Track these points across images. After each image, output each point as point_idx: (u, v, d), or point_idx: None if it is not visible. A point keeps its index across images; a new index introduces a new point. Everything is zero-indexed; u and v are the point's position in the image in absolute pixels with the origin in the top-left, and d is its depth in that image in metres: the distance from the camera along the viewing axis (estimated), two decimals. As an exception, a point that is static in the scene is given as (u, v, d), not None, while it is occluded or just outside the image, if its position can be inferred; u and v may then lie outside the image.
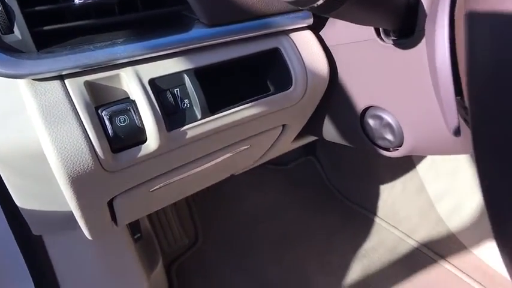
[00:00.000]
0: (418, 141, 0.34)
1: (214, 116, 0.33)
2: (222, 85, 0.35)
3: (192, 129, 0.32)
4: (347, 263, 0.92)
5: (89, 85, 0.29)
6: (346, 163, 1.07)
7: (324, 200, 1.07)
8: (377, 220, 0.99)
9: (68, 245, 0.56)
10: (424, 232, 0.88)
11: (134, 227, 0.71)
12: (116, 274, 0.65)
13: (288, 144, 0.52)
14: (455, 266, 0.82)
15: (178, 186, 0.45)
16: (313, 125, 0.45)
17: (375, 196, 0.99)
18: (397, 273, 0.87)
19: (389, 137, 0.36)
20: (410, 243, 0.91)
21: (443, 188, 0.82)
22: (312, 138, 0.63)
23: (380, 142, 0.37)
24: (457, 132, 0.28)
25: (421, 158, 0.84)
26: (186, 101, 0.32)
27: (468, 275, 0.80)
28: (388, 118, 0.35)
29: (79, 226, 0.39)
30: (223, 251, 0.95)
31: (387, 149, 0.38)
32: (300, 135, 0.54)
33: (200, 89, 0.32)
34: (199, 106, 0.32)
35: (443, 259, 0.85)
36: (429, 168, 0.84)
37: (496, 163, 0.20)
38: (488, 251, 0.77)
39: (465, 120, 0.28)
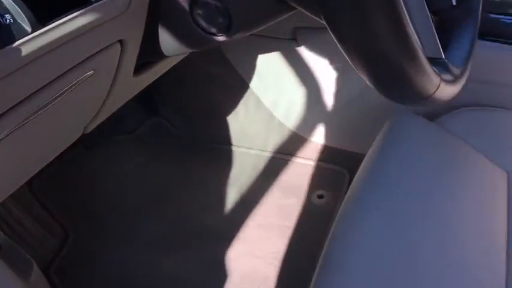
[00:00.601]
0: (243, 12, 0.39)
1: (46, 28, 0.31)
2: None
3: (25, 45, 0.30)
4: (221, 194, 0.98)
5: None
6: (190, 110, 1.10)
7: (184, 151, 1.10)
8: (234, 149, 1.07)
9: None
10: (272, 140, 1.00)
11: (-12, 238, 0.62)
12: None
13: (130, 77, 0.52)
14: (301, 157, 0.98)
15: (27, 142, 0.41)
16: (151, 43, 0.46)
17: (225, 128, 1.06)
18: (263, 183, 0.98)
19: (219, 19, 0.40)
20: (266, 155, 1.03)
21: (274, 96, 0.93)
22: (155, 74, 0.64)
23: (213, 29, 0.41)
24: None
25: (250, 76, 0.94)
26: (8, 16, 0.29)
27: (310, 158, 0.96)
28: (212, 1, 0.39)
29: None
30: (100, 235, 0.90)
31: (222, 35, 0.42)
32: (142, 69, 0.54)
33: (20, 1, 0.30)
34: (25, 19, 0.30)
35: (293, 155, 0.99)
36: (259, 84, 0.94)
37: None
38: (317, 133, 0.93)
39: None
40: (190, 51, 0.47)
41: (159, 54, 0.48)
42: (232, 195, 0.98)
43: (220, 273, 0.82)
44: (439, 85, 0.29)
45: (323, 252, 0.53)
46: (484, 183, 0.60)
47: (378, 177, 0.58)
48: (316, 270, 0.51)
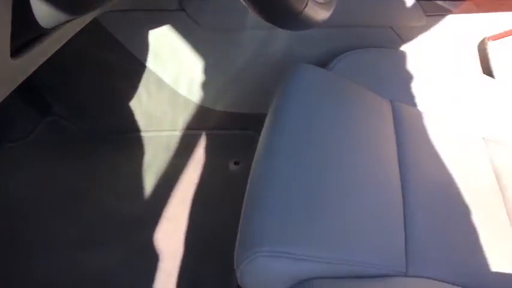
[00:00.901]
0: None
1: None
2: None
3: None
4: (138, 182, 0.95)
5: None
6: (88, 103, 1.04)
7: (90, 147, 1.04)
8: (143, 134, 1.04)
9: None
10: (180, 118, 1.00)
11: None
12: None
13: (8, 58, 0.48)
14: (212, 128, 0.99)
15: None
16: (23, 12, 0.42)
17: (130, 115, 1.02)
18: (179, 162, 0.97)
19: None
20: (177, 134, 1.02)
21: (174, 72, 0.92)
22: (38, 57, 0.59)
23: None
24: None
25: (146, 55, 0.91)
26: None
27: (221, 128, 0.98)
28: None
29: None
30: (14, 249, 0.82)
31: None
32: (22, 50, 0.50)
33: None
34: None
35: (204, 129, 1.00)
36: (157, 62, 0.92)
37: None
38: (223, 102, 0.95)
39: None
40: (68, 18, 0.45)
41: (35, 26, 0.44)
42: (149, 180, 0.95)
43: (149, 258, 0.81)
44: (307, 2, 0.33)
45: (245, 199, 0.55)
46: (374, 114, 0.67)
47: (280, 126, 0.62)
48: (241, 217, 0.53)
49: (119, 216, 0.88)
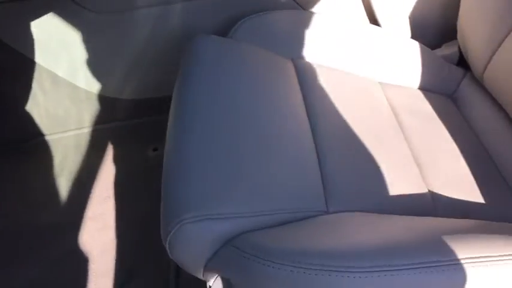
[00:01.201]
0: None
1: None
2: None
3: None
4: (52, 188, 0.89)
5: None
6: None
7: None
8: (48, 138, 0.96)
9: None
10: (86, 114, 0.94)
11: None
12: None
13: None
14: (122, 119, 0.95)
15: None
16: None
17: (27, 120, 0.94)
18: (93, 160, 0.93)
19: None
20: (85, 131, 0.96)
21: (68, 65, 0.86)
22: None
23: None
24: None
25: (33, 50, 0.83)
26: None
27: (131, 118, 0.95)
28: None
29: None
30: None
31: None
32: None
33: None
34: None
35: (114, 121, 0.95)
36: (47, 56, 0.85)
37: None
38: (130, 89, 0.91)
39: None
40: None
41: None
42: (64, 184, 0.89)
43: (77, 262, 0.76)
44: None
45: (162, 176, 0.54)
46: (278, 73, 0.68)
47: (187, 100, 0.60)
48: (161, 193, 0.51)
49: (37, 226, 0.82)
